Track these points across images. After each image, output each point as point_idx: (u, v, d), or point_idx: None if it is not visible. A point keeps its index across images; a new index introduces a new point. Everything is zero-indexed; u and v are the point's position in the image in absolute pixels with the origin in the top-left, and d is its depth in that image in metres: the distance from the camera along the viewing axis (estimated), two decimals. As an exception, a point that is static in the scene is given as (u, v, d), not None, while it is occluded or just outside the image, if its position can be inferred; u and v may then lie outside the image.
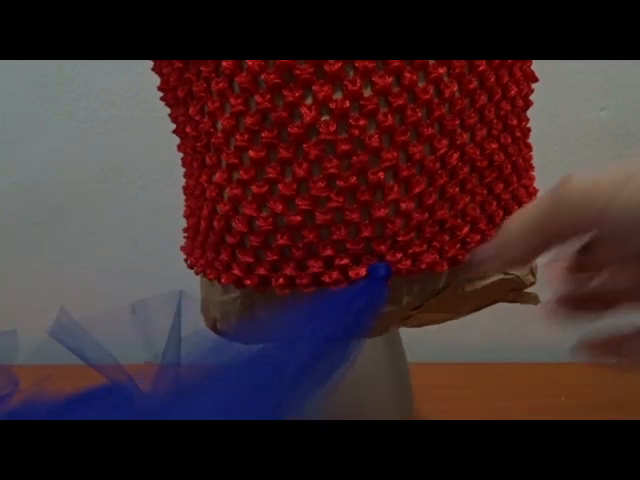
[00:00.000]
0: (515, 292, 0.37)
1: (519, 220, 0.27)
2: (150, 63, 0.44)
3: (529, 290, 0.38)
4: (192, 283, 0.61)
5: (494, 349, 0.72)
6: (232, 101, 0.29)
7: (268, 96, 0.28)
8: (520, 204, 0.35)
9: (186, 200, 0.36)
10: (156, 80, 0.44)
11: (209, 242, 0.33)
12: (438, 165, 0.30)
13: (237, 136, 0.29)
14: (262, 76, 0.28)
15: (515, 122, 0.33)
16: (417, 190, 0.30)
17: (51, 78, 0.67)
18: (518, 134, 0.34)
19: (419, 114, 0.29)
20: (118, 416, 0.45)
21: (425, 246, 0.31)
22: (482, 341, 0.72)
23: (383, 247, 0.30)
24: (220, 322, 0.35)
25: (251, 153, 0.29)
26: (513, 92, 0.32)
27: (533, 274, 0.38)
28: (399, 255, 0.30)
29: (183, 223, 0.52)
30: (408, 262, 0.31)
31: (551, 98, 0.39)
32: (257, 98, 0.28)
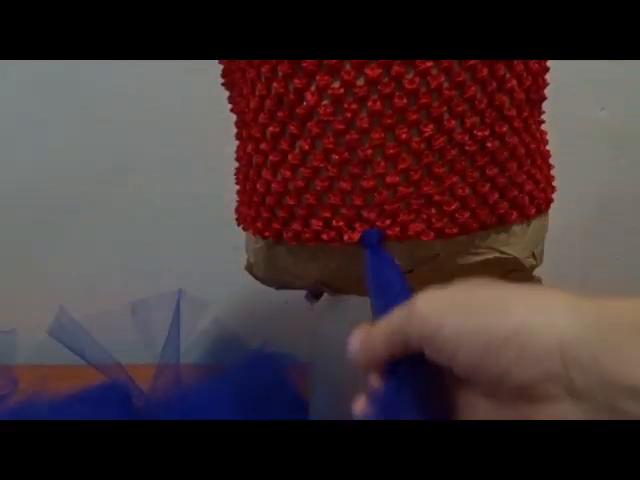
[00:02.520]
0: (516, 273, 0.39)
1: (383, 324, 0.29)
2: (150, 63, 0.44)
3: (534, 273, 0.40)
4: (192, 283, 0.60)
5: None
6: (259, 86, 0.36)
7: (283, 83, 0.35)
8: (521, 190, 0.37)
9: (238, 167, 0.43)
10: (155, 80, 0.45)
11: (244, 200, 0.41)
12: (424, 146, 0.34)
13: (261, 115, 0.36)
14: (279, 67, 0.34)
15: (513, 113, 0.36)
16: (402, 166, 0.34)
17: (51, 78, 0.67)
18: (517, 124, 0.36)
19: (405, 101, 0.33)
20: (118, 416, 0.45)
21: (412, 216, 0.35)
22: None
23: (373, 214, 0.35)
24: (254, 267, 0.42)
25: (270, 129, 0.36)
26: (510, 85, 0.35)
27: (535, 257, 0.38)
28: (388, 222, 0.35)
29: (182, 223, 0.52)
30: (397, 229, 0.35)
31: (551, 98, 0.39)
32: (275, 84, 0.35)
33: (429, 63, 0.33)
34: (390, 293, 0.34)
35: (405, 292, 0.35)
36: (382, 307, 0.32)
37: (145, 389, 0.51)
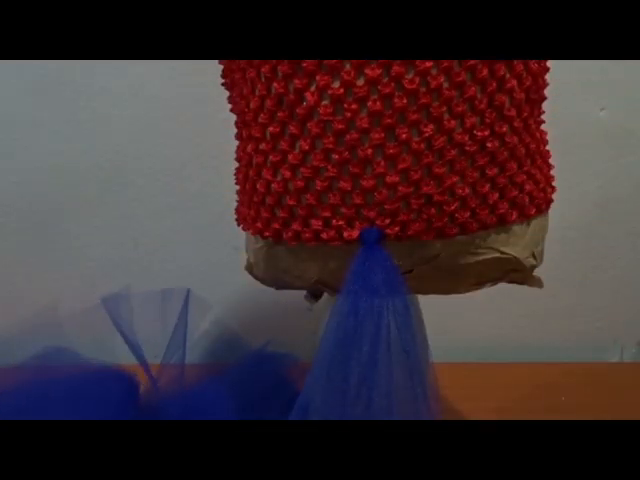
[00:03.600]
0: (517, 273, 0.39)
1: None
2: (150, 63, 0.44)
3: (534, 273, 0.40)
4: (192, 283, 0.60)
5: (494, 349, 0.72)
6: (259, 86, 0.36)
7: (282, 83, 0.35)
8: (521, 190, 0.37)
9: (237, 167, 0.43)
10: (155, 80, 0.44)
11: (244, 200, 0.41)
12: (424, 146, 0.34)
13: (261, 115, 0.36)
14: (279, 67, 0.35)
15: (513, 113, 0.36)
16: (402, 166, 0.34)
17: (51, 78, 0.67)
18: (517, 124, 0.36)
19: (405, 101, 0.33)
20: (120, 415, 0.45)
21: (412, 215, 0.35)
22: (482, 341, 0.72)
23: (372, 213, 0.35)
24: (254, 267, 0.43)
25: (270, 129, 0.36)
26: (510, 85, 0.35)
27: (535, 257, 0.38)
28: (387, 221, 0.35)
29: (182, 223, 0.51)
30: (397, 228, 0.35)
31: (551, 98, 0.39)
32: (275, 84, 0.35)
33: (429, 63, 0.33)
34: (375, 289, 0.34)
35: (397, 290, 0.35)
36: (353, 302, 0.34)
37: (145, 389, 0.51)
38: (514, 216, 0.37)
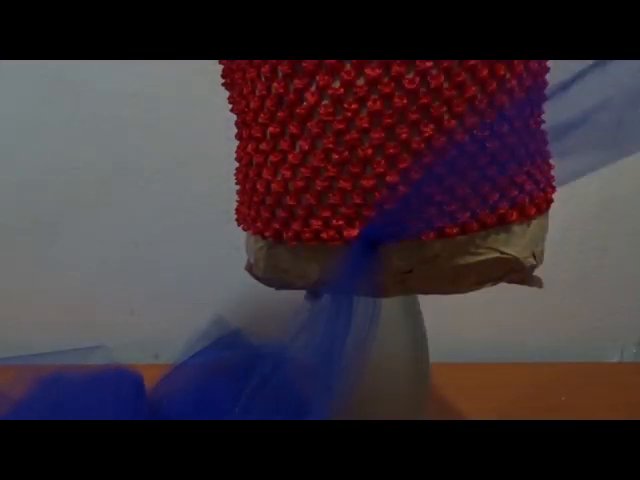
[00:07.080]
0: (517, 273, 0.39)
1: None
2: (150, 63, 0.44)
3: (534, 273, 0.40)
4: (192, 283, 0.60)
5: (494, 349, 0.72)
6: (259, 86, 0.36)
7: (283, 83, 0.35)
8: (521, 190, 0.37)
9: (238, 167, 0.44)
10: (155, 80, 0.44)
11: (244, 200, 0.41)
12: (424, 146, 0.34)
13: (261, 115, 0.37)
14: (279, 67, 0.35)
15: (514, 113, 0.35)
16: (402, 166, 0.34)
17: (51, 78, 0.67)
18: (517, 124, 0.36)
19: (405, 101, 0.33)
20: (130, 416, 0.45)
21: (412, 215, 0.35)
22: (482, 341, 0.72)
23: (372, 213, 0.35)
24: (254, 267, 0.43)
25: (270, 129, 0.36)
26: (510, 85, 0.35)
27: (535, 257, 0.38)
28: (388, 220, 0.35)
29: (182, 223, 0.51)
30: (397, 228, 0.35)
31: (551, 98, 0.39)
32: (275, 84, 0.35)
33: (429, 63, 0.33)
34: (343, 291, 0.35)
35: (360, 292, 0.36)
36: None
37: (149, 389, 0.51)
38: (514, 216, 0.37)
